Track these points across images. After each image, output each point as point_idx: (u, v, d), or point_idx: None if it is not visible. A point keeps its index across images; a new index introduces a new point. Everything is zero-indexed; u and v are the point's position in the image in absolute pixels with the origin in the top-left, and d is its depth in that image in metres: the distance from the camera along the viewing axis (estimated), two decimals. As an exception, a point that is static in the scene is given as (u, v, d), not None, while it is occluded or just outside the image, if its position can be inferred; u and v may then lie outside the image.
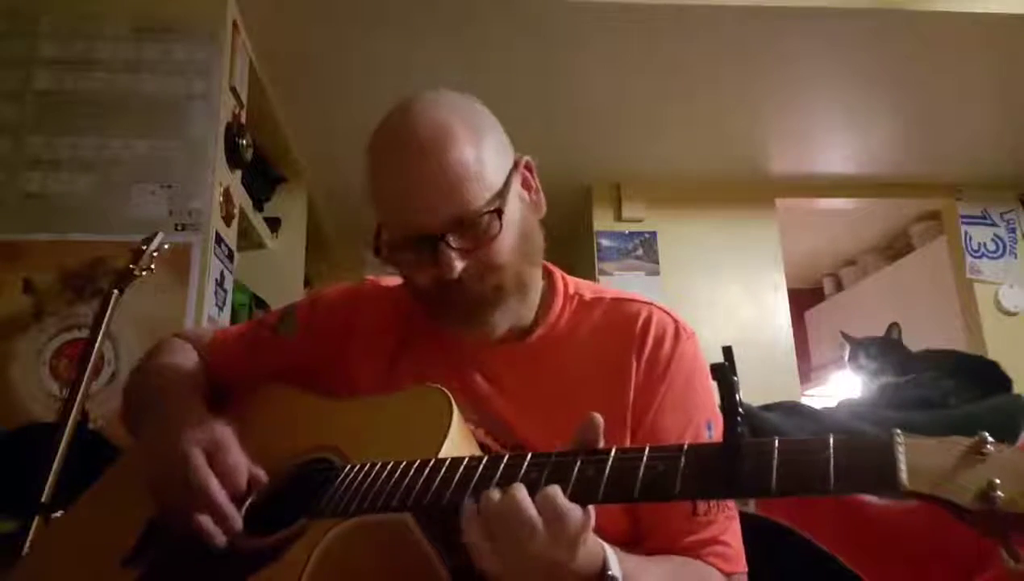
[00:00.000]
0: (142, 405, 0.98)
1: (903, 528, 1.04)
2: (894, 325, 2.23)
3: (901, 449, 0.50)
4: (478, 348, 0.91)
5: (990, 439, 0.49)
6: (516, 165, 0.89)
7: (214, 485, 0.76)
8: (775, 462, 0.55)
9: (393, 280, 1.01)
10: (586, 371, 0.88)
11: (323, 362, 0.97)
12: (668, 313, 0.93)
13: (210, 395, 0.99)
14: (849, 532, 1.07)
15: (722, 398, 0.57)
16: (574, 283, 0.97)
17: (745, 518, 0.87)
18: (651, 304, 0.93)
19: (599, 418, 0.65)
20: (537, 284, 0.93)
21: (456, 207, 0.81)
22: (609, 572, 0.66)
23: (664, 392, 0.86)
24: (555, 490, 0.61)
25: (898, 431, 0.52)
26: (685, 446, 0.60)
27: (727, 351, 0.57)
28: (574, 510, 0.60)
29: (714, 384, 0.60)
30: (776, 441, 0.56)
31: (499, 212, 0.83)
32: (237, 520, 0.76)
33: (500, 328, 0.89)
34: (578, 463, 0.63)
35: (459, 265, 0.81)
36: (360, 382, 0.93)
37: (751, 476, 0.55)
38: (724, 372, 0.57)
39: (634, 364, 0.87)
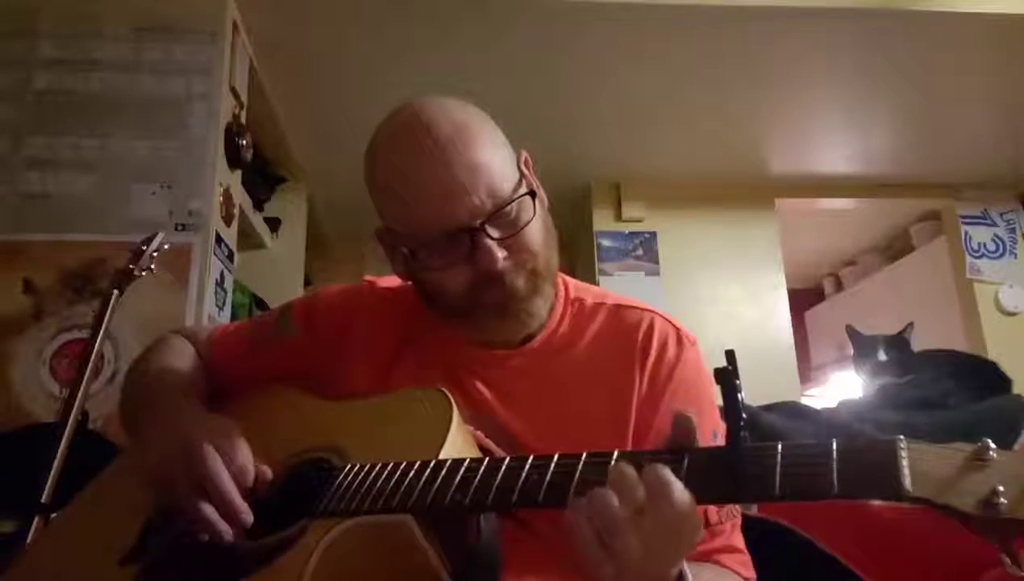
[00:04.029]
0: (140, 404, 0.97)
1: (906, 529, 1.04)
2: (910, 325, 2.22)
3: (904, 455, 0.51)
4: (477, 353, 0.91)
5: (992, 445, 0.49)
6: (517, 157, 0.90)
7: (227, 481, 0.74)
8: (778, 467, 0.55)
9: (391, 281, 1.01)
10: (587, 378, 0.88)
11: (320, 362, 0.96)
12: (669, 320, 0.93)
13: (208, 394, 0.98)
14: (851, 533, 1.07)
15: (725, 402, 0.57)
16: (575, 287, 0.97)
17: (745, 519, 0.87)
18: (652, 311, 0.93)
19: (691, 417, 0.61)
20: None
21: (490, 197, 0.81)
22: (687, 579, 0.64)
23: (668, 401, 0.86)
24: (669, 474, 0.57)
25: (901, 437, 0.52)
26: (688, 450, 0.60)
27: (730, 355, 0.57)
28: (687, 497, 0.57)
29: (716, 388, 0.59)
30: (779, 446, 0.56)
31: (532, 193, 0.85)
32: (249, 514, 0.74)
33: (536, 318, 0.89)
34: (581, 466, 0.62)
35: (501, 254, 0.81)
36: (356, 384, 0.91)
37: (754, 480, 0.55)
38: (727, 376, 0.57)
39: (637, 373, 0.87)
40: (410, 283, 0.93)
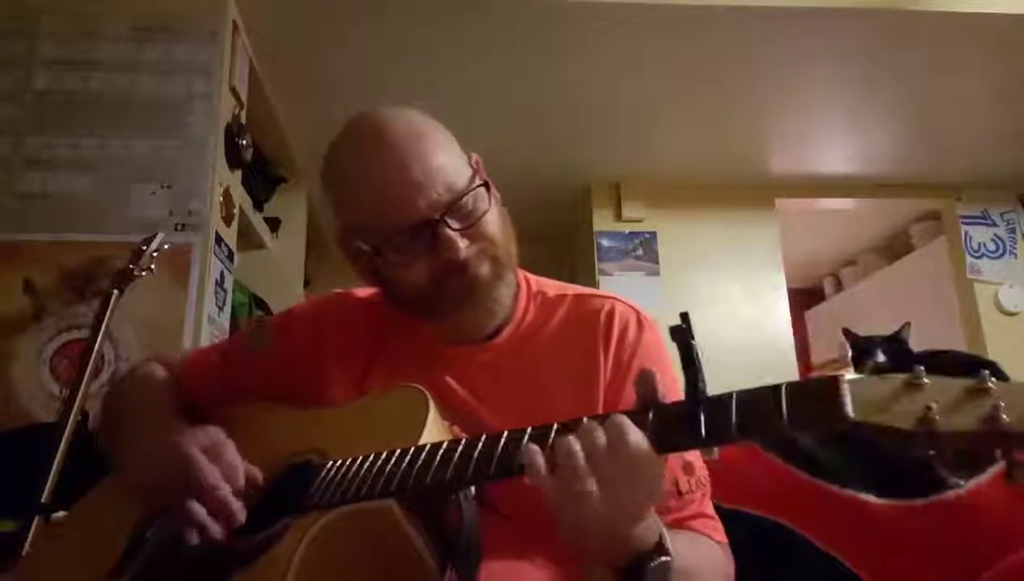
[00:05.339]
0: (125, 423, 0.99)
1: (904, 528, 1.05)
2: (907, 325, 2.23)
3: (846, 385, 0.55)
4: (447, 350, 0.93)
5: (922, 370, 0.54)
6: (469, 159, 0.94)
7: (219, 480, 0.76)
8: (734, 409, 0.59)
9: (364, 291, 1.04)
10: (555, 367, 0.91)
11: (296, 374, 0.99)
12: (630, 305, 0.96)
13: (184, 409, 1.00)
14: (850, 532, 1.07)
15: (682, 356, 0.61)
16: (535, 281, 1.01)
17: (745, 517, 0.87)
18: (614, 298, 0.97)
19: (655, 372, 0.65)
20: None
21: (448, 189, 0.86)
22: (665, 545, 0.66)
23: (631, 383, 0.88)
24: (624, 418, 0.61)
25: (843, 373, 0.57)
26: (652, 405, 0.63)
27: (684, 315, 0.63)
28: (644, 442, 0.61)
29: (674, 351, 0.63)
30: (734, 392, 0.60)
31: (486, 185, 0.89)
32: (241, 512, 0.76)
33: (500, 307, 0.92)
34: (552, 433, 0.65)
35: (463, 244, 0.85)
36: (333, 392, 0.94)
37: (712, 425, 0.59)
38: (682, 334, 0.61)
39: (602, 358, 0.90)
40: (379, 290, 0.96)
